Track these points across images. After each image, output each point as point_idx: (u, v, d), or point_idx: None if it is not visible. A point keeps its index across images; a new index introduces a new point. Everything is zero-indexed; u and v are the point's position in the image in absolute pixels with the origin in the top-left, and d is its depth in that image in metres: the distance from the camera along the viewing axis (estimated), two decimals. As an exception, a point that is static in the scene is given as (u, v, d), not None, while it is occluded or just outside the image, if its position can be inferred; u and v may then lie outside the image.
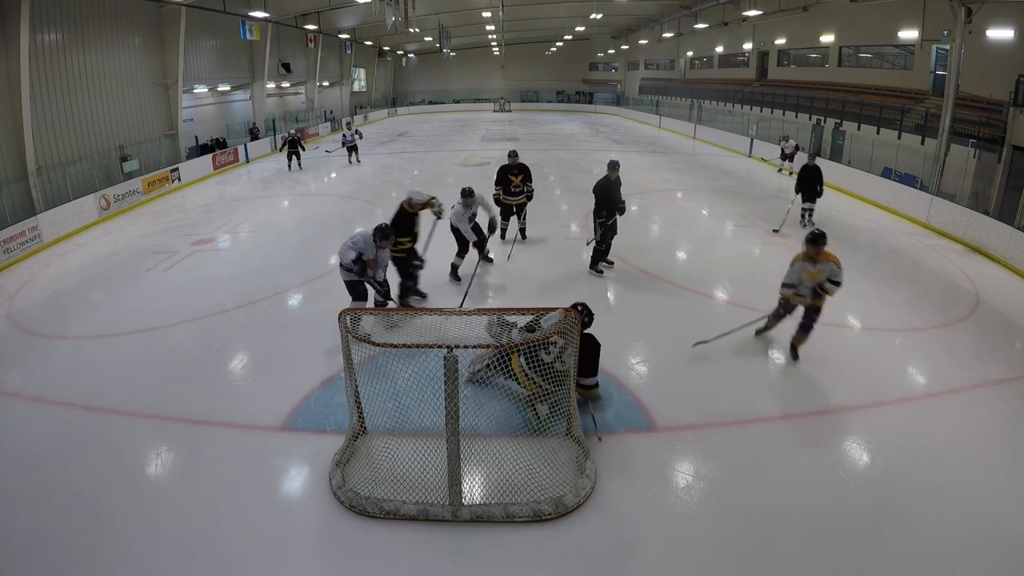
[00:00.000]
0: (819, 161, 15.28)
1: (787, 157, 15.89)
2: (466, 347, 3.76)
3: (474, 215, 7.35)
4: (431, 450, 3.92)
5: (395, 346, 4.17)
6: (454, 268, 7.59)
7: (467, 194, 7.23)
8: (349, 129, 18.96)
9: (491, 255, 8.17)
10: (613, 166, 7.55)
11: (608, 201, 7.37)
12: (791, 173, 15.66)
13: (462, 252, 7.54)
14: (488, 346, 4.57)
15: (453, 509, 3.63)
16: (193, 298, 7.36)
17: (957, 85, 11.58)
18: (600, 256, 7.84)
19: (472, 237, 7.38)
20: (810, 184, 10.12)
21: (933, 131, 12.59)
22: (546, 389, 4.32)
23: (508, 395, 4.79)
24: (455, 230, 7.39)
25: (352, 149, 18.23)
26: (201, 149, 18.59)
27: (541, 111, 40.46)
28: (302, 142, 18.25)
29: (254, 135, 21.37)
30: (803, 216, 10.28)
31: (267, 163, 19.46)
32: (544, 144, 22.92)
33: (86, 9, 13.43)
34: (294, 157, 17.51)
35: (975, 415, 4.79)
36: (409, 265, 6.58)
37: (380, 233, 5.73)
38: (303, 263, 8.69)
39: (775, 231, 10.04)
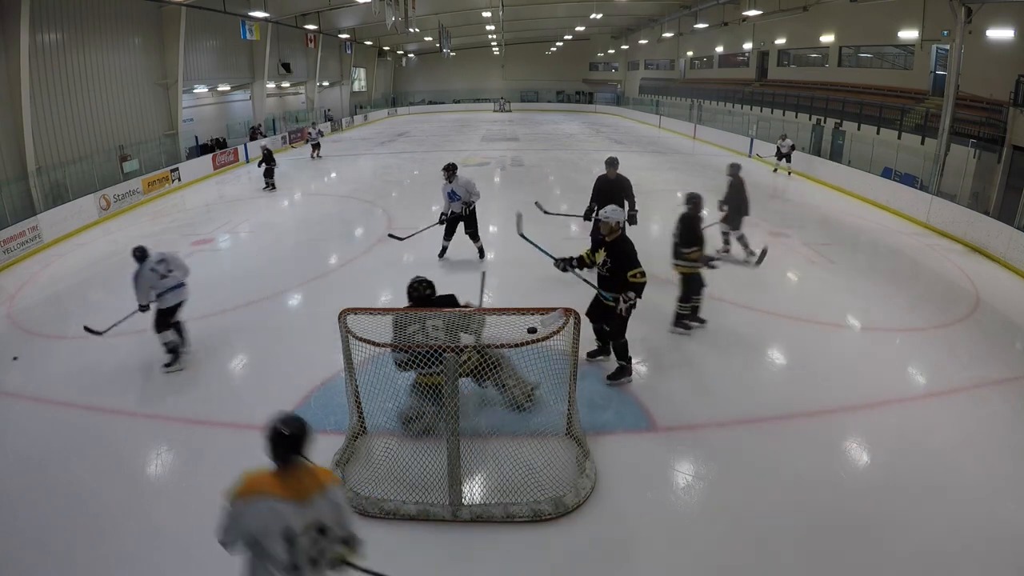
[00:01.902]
0: (818, 162, 15.39)
1: (783, 156, 15.64)
2: (466, 347, 3.76)
3: (452, 193, 7.93)
4: (431, 450, 3.91)
5: (395, 346, 4.17)
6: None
7: (446, 168, 7.97)
8: (314, 128, 20.92)
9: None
10: (611, 163, 7.44)
11: (610, 201, 7.19)
12: (789, 173, 15.66)
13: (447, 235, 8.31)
14: (488, 345, 4.56)
15: (453, 509, 3.63)
16: (193, 298, 7.32)
17: (957, 85, 11.58)
18: None
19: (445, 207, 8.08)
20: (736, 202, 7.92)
21: (933, 131, 12.59)
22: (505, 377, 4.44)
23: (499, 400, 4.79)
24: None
25: (316, 146, 20.00)
26: (201, 149, 18.60)
27: (541, 111, 40.43)
28: (273, 155, 15.35)
29: (254, 135, 21.34)
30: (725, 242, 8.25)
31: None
32: (544, 144, 22.92)
33: (86, 9, 13.43)
34: (267, 177, 14.56)
35: (975, 415, 4.79)
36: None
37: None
38: (303, 263, 8.69)
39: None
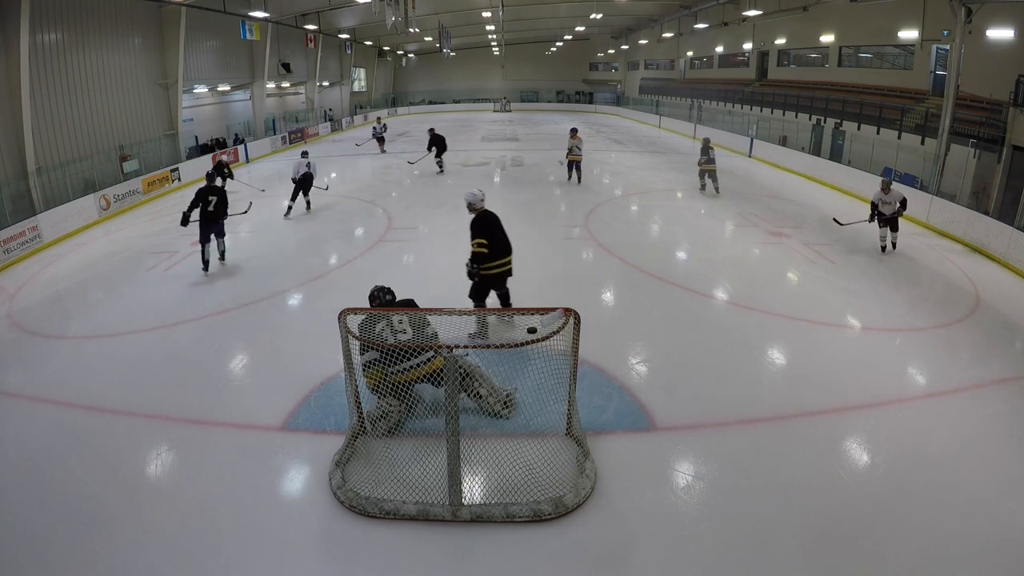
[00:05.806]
0: (817, 160, 15.35)
1: (888, 222, 8.85)
2: (466, 347, 3.76)
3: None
4: (431, 450, 3.92)
5: (395, 346, 4.18)
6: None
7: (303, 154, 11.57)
8: (379, 123, 22.03)
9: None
10: (208, 175, 8.53)
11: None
12: (893, 245, 9.06)
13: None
14: (488, 346, 4.57)
15: (453, 509, 3.63)
16: (193, 298, 7.36)
17: (957, 85, 11.58)
18: None
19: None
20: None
21: (933, 131, 12.59)
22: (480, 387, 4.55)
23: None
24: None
25: (380, 140, 21.08)
26: (201, 149, 18.59)
27: (541, 111, 40.40)
28: (229, 167, 13.36)
29: (239, 140, 21.15)
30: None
31: (267, 163, 19.47)
32: (544, 144, 22.90)
33: (86, 9, 13.42)
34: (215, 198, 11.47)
35: (975, 415, 4.79)
36: None
37: None
38: (303, 263, 8.69)
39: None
